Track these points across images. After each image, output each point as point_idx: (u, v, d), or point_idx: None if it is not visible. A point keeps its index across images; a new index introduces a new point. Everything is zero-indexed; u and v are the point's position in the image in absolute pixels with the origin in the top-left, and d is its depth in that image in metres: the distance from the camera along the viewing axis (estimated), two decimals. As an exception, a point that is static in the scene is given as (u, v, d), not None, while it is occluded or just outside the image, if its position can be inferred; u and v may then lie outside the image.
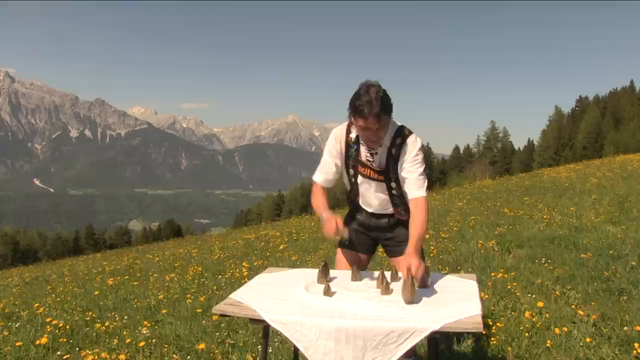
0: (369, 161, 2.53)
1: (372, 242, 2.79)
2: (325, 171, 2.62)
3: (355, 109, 2.30)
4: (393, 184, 2.54)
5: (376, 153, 2.50)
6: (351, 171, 2.60)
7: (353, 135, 2.53)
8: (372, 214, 2.67)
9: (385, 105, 2.29)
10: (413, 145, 2.46)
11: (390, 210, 2.63)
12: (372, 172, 2.54)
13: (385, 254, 2.88)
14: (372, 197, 2.62)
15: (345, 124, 2.57)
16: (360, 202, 2.68)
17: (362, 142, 2.51)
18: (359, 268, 2.54)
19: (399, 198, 2.57)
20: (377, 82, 2.32)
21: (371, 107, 2.25)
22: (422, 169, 2.46)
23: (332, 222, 2.38)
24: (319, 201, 2.59)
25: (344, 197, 2.83)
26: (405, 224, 2.54)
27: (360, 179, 2.59)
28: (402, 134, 2.47)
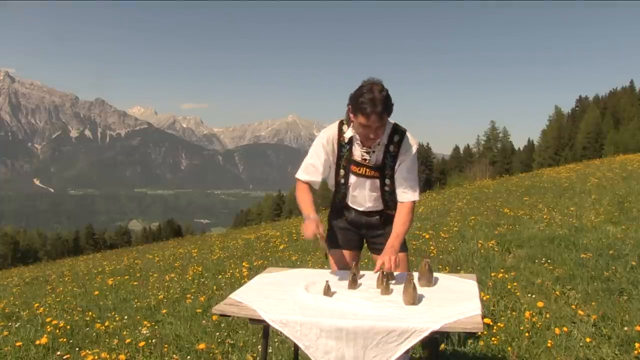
0: (365, 159, 2.51)
1: (360, 238, 2.77)
2: (311, 172, 2.59)
3: (358, 106, 2.28)
4: (387, 181, 2.54)
5: (373, 151, 2.49)
6: (342, 172, 2.57)
7: (346, 135, 2.51)
8: (363, 212, 2.66)
9: (387, 104, 2.28)
10: (412, 145, 2.48)
11: (380, 207, 2.62)
12: (367, 170, 2.52)
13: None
14: (364, 196, 2.60)
15: (336, 123, 2.55)
16: (350, 202, 2.66)
17: (356, 141, 2.49)
18: (352, 262, 2.56)
19: (390, 194, 2.57)
20: (380, 81, 2.30)
21: (374, 105, 2.23)
22: (416, 172, 2.52)
23: (313, 226, 2.38)
24: (305, 199, 2.54)
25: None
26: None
27: (352, 179, 2.57)
28: (398, 131, 2.47)
